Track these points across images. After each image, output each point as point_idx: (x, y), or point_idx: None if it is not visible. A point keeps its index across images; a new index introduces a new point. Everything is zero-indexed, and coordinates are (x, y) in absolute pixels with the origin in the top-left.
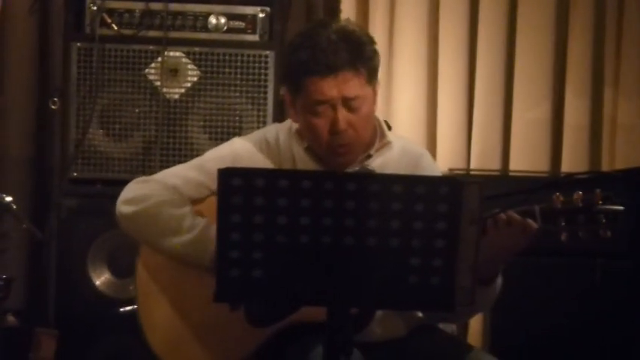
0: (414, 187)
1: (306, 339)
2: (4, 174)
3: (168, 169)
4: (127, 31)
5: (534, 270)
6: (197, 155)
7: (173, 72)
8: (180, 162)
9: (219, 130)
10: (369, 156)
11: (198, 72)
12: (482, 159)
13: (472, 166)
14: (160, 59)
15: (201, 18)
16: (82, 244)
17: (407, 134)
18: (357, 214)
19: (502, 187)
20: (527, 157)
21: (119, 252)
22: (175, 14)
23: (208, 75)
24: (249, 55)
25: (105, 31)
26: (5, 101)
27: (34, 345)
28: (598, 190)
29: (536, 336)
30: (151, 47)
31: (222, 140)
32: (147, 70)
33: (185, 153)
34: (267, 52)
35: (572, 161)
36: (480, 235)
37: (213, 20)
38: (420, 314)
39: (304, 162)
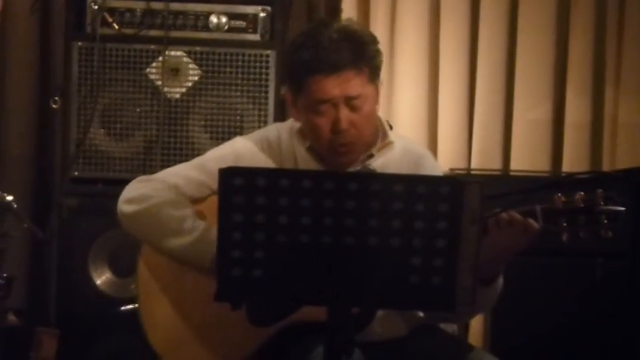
0: (414, 186)
1: (307, 338)
2: (5, 173)
3: (170, 169)
4: (128, 31)
5: (535, 270)
6: (198, 155)
7: (174, 71)
8: (181, 161)
9: (220, 129)
10: (371, 155)
11: (200, 71)
12: (483, 158)
13: (473, 165)
14: (161, 59)
15: (202, 17)
16: (83, 244)
17: (408, 134)
18: (358, 214)
19: (503, 187)
20: (528, 157)
21: (120, 251)
22: (176, 13)
23: (209, 74)
24: (250, 55)
25: (106, 31)
26: (6, 100)
27: (35, 344)
28: (600, 191)
29: (536, 336)
30: (152, 47)
31: (223, 140)
32: (148, 70)
33: (186, 152)
34: (269, 52)
35: (573, 161)
36: (481, 234)
37: (214, 20)
38: (420, 314)
39: (306, 161)
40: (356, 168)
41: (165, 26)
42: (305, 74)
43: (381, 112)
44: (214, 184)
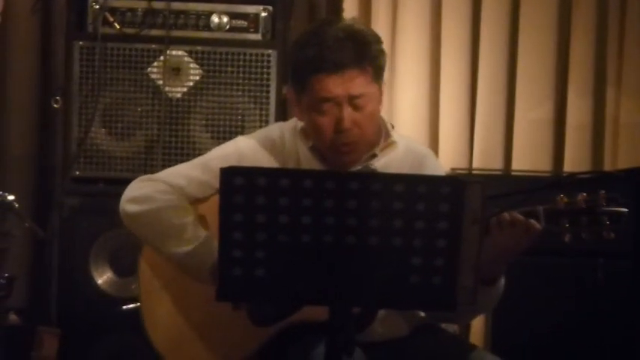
0: (415, 186)
1: (308, 338)
2: (7, 172)
3: (172, 168)
4: (130, 30)
5: (536, 270)
6: (199, 154)
7: (175, 71)
8: (182, 161)
9: (221, 129)
10: (374, 155)
11: (201, 71)
12: (485, 158)
13: (474, 165)
14: (162, 58)
15: (203, 17)
16: (85, 243)
17: (409, 133)
18: (359, 214)
19: (504, 187)
20: (529, 157)
21: (121, 251)
22: (178, 13)
23: (210, 74)
24: (251, 54)
25: (107, 30)
26: (8, 100)
27: (36, 344)
28: (602, 192)
29: (538, 336)
30: (153, 46)
31: (225, 139)
32: (149, 69)
33: (187, 152)
34: (270, 51)
35: (575, 161)
36: (482, 234)
37: (215, 19)
38: (422, 314)
39: (308, 161)
40: (357, 168)
41: (166, 26)
42: (308, 73)
43: (383, 112)
44: (217, 184)
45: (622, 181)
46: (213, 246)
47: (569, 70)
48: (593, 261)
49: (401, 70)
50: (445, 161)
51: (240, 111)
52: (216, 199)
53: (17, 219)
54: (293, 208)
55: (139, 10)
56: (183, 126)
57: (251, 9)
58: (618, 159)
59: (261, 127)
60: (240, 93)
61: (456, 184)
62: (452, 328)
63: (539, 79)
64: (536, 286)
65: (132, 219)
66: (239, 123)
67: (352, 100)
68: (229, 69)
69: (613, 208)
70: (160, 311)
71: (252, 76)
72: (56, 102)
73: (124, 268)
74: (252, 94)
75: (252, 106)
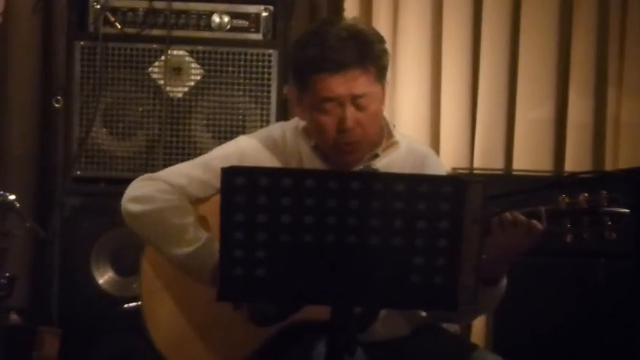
0: (416, 186)
1: (309, 338)
2: (8, 172)
3: (174, 167)
4: (131, 30)
5: (537, 269)
6: (200, 154)
7: (176, 71)
8: (183, 161)
9: (222, 128)
10: (376, 155)
11: (202, 71)
12: (486, 158)
13: (475, 165)
14: (163, 58)
15: (204, 17)
16: (86, 243)
17: (410, 133)
18: (361, 213)
19: (505, 187)
20: (530, 157)
21: (122, 251)
22: (179, 13)
23: (212, 74)
24: (252, 54)
25: (108, 30)
26: (9, 100)
27: (37, 343)
28: (604, 192)
29: (538, 335)
30: (154, 46)
31: (226, 139)
32: (150, 69)
33: (188, 152)
34: (271, 51)
35: (576, 161)
36: (483, 234)
37: (216, 19)
38: (423, 314)
39: (310, 160)
40: (359, 168)
41: (167, 25)
42: (311, 72)
43: (384, 112)
44: (218, 183)
45: (623, 180)
46: (214, 248)
47: (570, 70)
48: (595, 261)
49: (402, 70)
50: (446, 161)
51: (241, 111)
52: (217, 199)
53: (18, 219)
54: (294, 208)
55: (140, 9)
56: (184, 126)
57: (252, 9)
58: (619, 159)
59: (262, 126)
60: (241, 93)
61: (457, 183)
62: (453, 328)
63: (540, 79)
64: (537, 286)
65: (133, 218)
66: (240, 123)
67: (355, 100)
68: (230, 69)
69: (615, 209)
70: (162, 311)
71: (253, 75)
72: (57, 102)
73: (125, 267)
74: (253, 93)
75: (253, 105)
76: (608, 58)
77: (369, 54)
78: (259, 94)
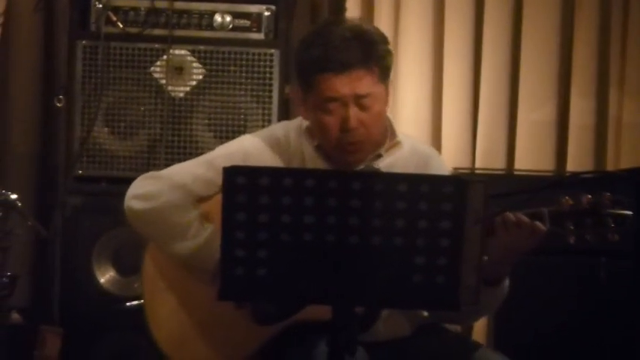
0: (418, 185)
1: (311, 338)
2: (9, 171)
3: (177, 165)
4: (133, 29)
5: (539, 269)
6: (202, 154)
7: (178, 70)
8: (185, 160)
9: (224, 128)
10: (379, 155)
11: (204, 70)
12: (487, 158)
13: (477, 165)
14: (165, 57)
15: (206, 16)
16: (87, 242)
17: (412, 133)
18: (362, 213)
19: (507, 187)
20: (532, 158)
21: (124, 250)
22: (181, 12)
23: (213, 73)
24: (254, 54)
25: (110, 29)
26: (10, 99)
27: (38, 343)
28: (607, 194)
29: (540, 335)
30: (156, 45)
31: (227, 139)
32: (152, 68)
33: (190, 151)
34: (273, 51)
35: (577, 161)
36: (484, 234)
37: (218, 18)
38: (425, 313)
39: (313, 160)
40: (361, 168)
41: (169, 25)
42: (315, 72)
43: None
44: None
45: (624, 181)
46: (217, 244)
47: (571, 71)
48: (596, 260)
49: (403, 71)
50: (448, 161)
51: (242, 110)
52: (219, 197)
53: (20, 218)
54: (296, 208)
55: (142, 9)
56: (186, 125)
57: (254, 8)
58: (621, 159)
59: (263, 126)
60: (242, 92)
61: (459, 183)
62: (454, 327)
63: (541, 80)
64: (538, 285)
65: (136, 216)
66: (242, 122)
67: (358, 100)
68: (232, 68)
69: (618, 210)
70: (164, 310)
71: (255, 75)
72: (59, 101)
73: (127, 267)
74: (254, 93)
75: (254, 105)
76: (609, 58)
77: (372, 54)
78: (261, 93)
